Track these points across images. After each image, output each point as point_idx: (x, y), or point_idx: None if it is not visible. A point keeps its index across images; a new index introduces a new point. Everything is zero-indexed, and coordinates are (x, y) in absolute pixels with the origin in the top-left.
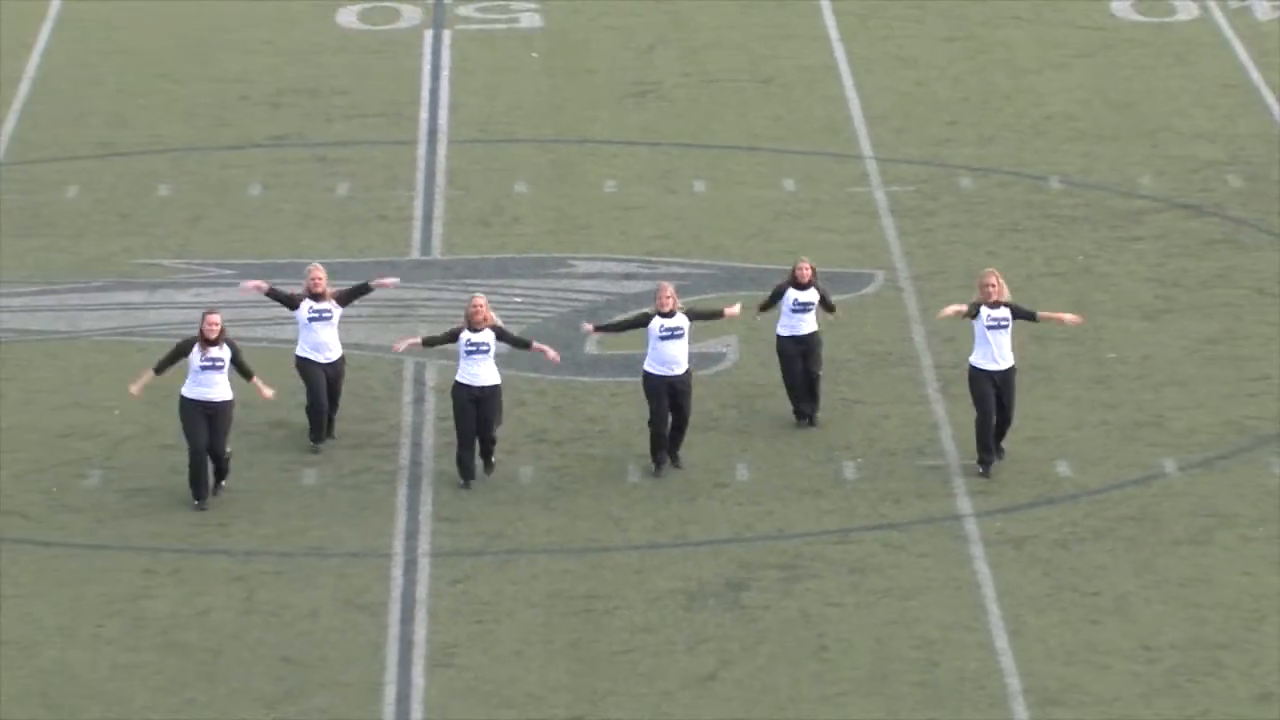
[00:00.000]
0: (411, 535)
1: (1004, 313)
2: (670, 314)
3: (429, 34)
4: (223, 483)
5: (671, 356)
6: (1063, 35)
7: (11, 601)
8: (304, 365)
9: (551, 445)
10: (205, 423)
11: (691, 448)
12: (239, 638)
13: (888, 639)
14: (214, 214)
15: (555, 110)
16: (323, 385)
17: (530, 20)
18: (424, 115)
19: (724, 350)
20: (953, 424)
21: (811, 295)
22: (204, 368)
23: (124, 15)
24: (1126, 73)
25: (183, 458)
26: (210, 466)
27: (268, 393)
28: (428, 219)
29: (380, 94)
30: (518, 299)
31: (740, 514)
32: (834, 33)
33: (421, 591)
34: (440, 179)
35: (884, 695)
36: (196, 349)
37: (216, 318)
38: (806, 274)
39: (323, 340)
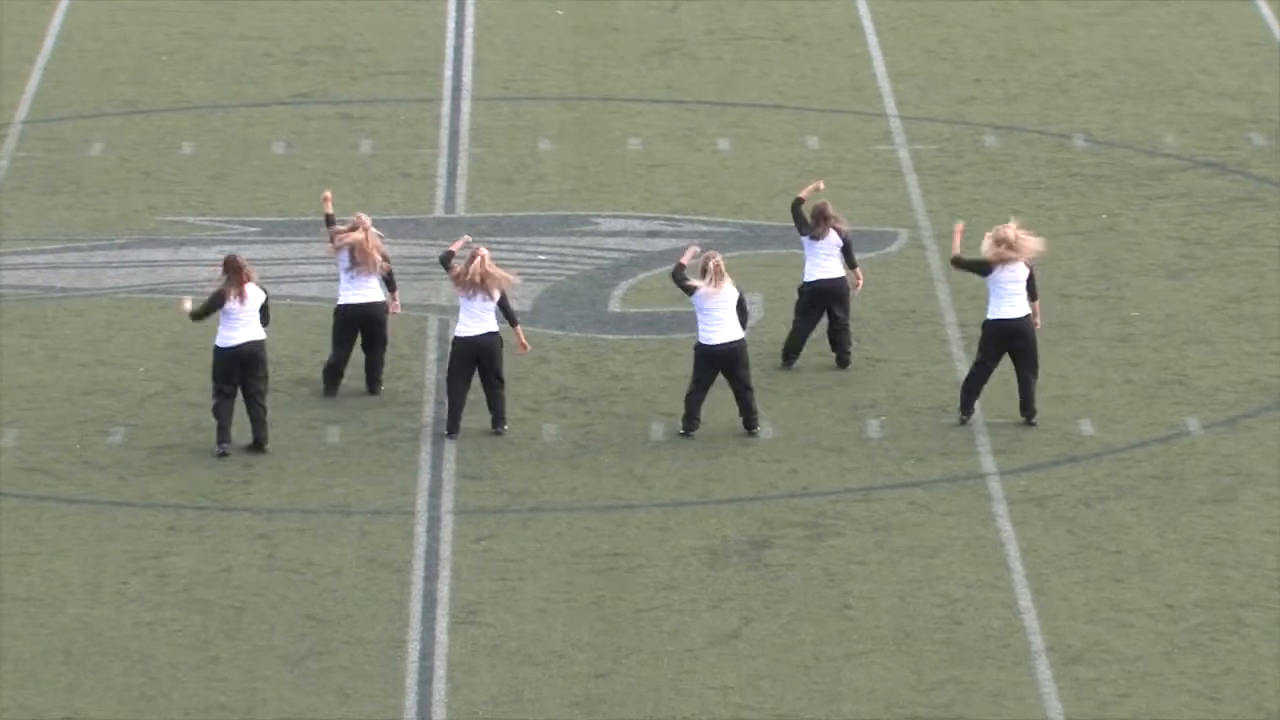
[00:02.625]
0: (435, 493)
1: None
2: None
3: None
4: (266, 447)
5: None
6: None
7: (35, 559)
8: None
9: (575, 403)
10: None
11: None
12: (262, 595)
13: (911, 597)
14: (238, 171)
15: (579, 68)
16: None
17: None
18: (448, 73)
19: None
20: None
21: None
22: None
23: None
24: (1151, 31)
25: (207, 415)
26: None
27: (186, 306)
28: (451, 176)
29: (404, 51)
30: (542, 256)
31: (764, 472)
32: None
33: (445, 549)
34: (464, 136)
35: (907, 654)
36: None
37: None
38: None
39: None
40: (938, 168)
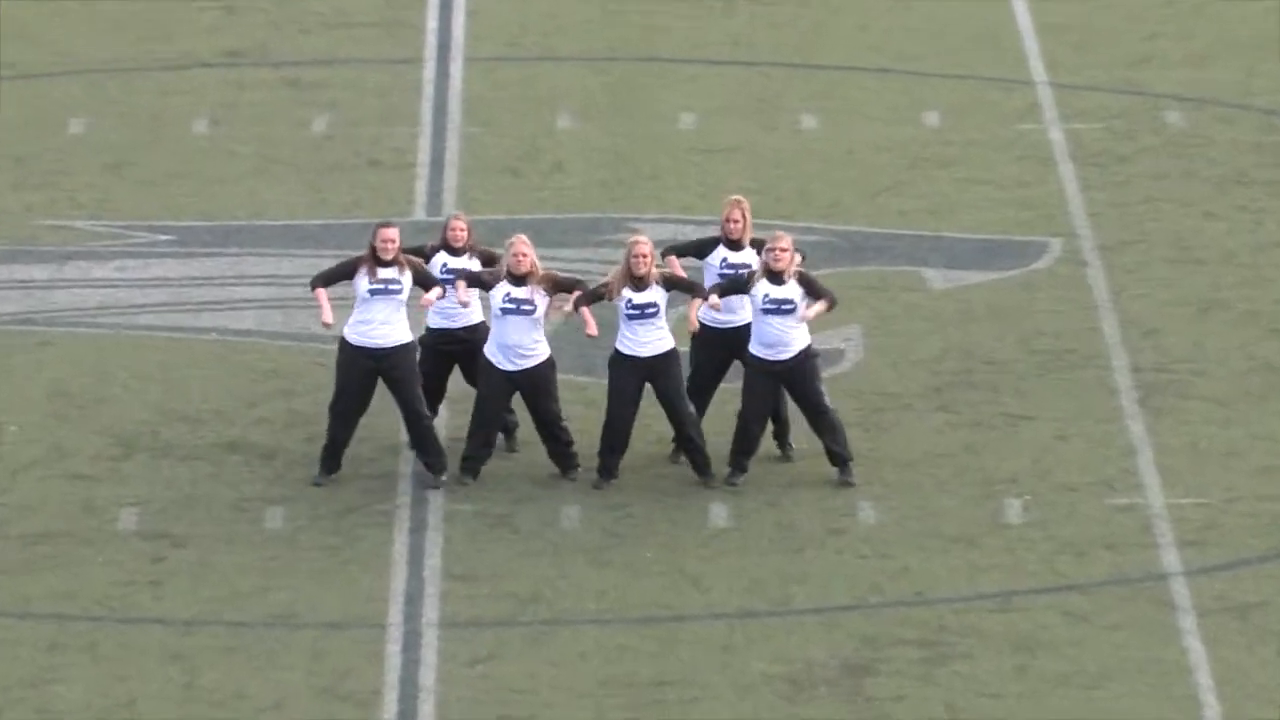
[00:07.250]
0: (414, 599)
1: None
2: (779, 277)
3: None
4: (442, 476)
5: (776, 336)
6: None
7: None
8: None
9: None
10: (369, 379)
11: (798, 480)
12: None
13: None
14: (145, 158)
15: (611, 17)
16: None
17: None
18: (432, 24)
19: (842, 347)
20: (1155, 448)
21: (749, 257)
22: (373, 292)
23: None
24: None
25: (100, 491)
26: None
27: (431, 297)
28: (437, 165)
29: None
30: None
31: (864, 570)
32: None
33: (427, 675)
34: (454, 111)
35: None
36: (363, 271)
37: (393, 233)
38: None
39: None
40: (1102, 154)
